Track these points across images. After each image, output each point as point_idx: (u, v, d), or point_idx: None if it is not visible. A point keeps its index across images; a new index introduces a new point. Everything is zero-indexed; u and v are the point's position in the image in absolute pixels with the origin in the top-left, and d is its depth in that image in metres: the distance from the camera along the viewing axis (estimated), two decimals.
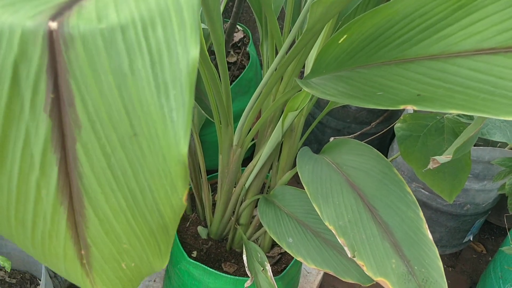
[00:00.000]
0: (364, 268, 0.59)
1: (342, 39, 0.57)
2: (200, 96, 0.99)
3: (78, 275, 0.40)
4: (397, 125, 0.85)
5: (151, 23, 0.30)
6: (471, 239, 1.45)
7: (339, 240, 0.61)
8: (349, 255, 0.60)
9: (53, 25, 0.29)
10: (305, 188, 0.66)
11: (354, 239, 0.61)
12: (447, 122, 0.84)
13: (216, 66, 0.75)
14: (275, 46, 0.77)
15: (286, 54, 0.64)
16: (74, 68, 0.30)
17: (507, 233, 1.29)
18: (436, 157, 0.64)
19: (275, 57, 0.69)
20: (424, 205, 1.33)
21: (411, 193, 0.63)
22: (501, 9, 0.44)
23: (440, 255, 1.47)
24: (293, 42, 0.64)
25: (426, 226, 0.60)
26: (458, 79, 0.47)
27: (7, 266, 0.77)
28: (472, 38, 0.47)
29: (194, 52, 0.29)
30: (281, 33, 0.76)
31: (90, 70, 0.30)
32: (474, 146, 1.24)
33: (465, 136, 0.64)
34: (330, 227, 0.62)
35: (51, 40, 0.29)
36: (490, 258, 1.49)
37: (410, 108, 0.47)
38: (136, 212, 0.35)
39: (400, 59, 0.53)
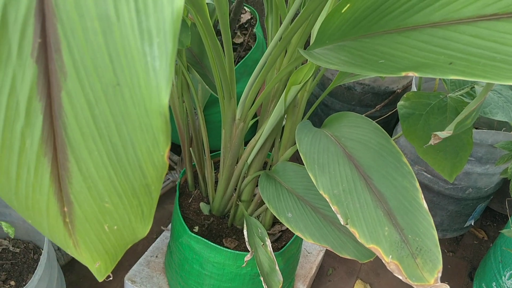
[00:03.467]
0: (357, 235, 0.59)
1: (345, 9, 0.58)
2: (204, 72, 0.99)
3: (61, 235, 0.40)
4: (400, 103, 0.85)
5: None
6: (472, 224, 1.45)
7: (332, 208, 0.61)
8: (342, 223, 0.60)
9: None
10: (302, 158, 0.67)
11: (348, 207, 0.61)
12: (450, 101, 0.84)
13: (220, 40, 0.75)
14: (280, 18, 0.78)
15: (290, 24, 0.64)
16: (61, 13, 0.30)
17: (509, 219, 1.29)
18: (438, 133, 0.64)
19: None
20: (426, 188, 1.33)
21: (408, 164, 0.63)
22: None
23: (441, 239, 1.47)
24: (298, 12, 0.64)
25: (421, 196, 0.60)
26: (460, 46, 0.47)
27: (11, 232, 0.78)
28: (474, 5, 0.47)
29: (179, 1, 0.29)
30: (286, 5, 0.76)
31: (77, 15, 0.30)
32: (478, 129, 1.24)
33: (467, 111, 0.64)
34: (325, 196, 0.63)
35: None
36: (491, 245, 1.49)
37: (411, 74, 0.48)
38: (119, 168, 0.35)
39: (402, 27, 0.53)
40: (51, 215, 0.38)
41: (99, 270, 0.42)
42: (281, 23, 0.78)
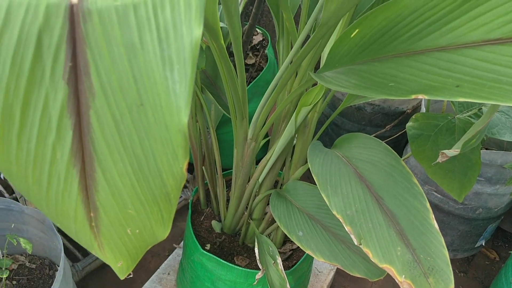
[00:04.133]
0: (370, 255, 0.60)
1: (354, 33, 0.60)
2: (217, 93, 1.02)
3: (87, 237, 0.43)
4: (409, 124, 0.87)
5: (161, 3, 0.33)
6: (483, 244, 1.45)
7: (346, 228, 0.63)
8: (356, 243, 0.62)
9: (74, 0, 0.32)
10: (314, 179, 0.68)
11: (361, 227, 0.62)
12: (458, 122, 0.86)
13: (233, 62, 0.78)
14: (291, 42, 0.80)
15: (300, 48, 0.67)
16: (90, 39, 0.33)
17: None
18: (445, 151, 0.65)
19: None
20: (436, 208, 1.33)
21: (418, 184, 0.64)
22: (506, 1, 0.46)
23: (452, 260, 1.47)
24: (308, 37, 0.66)
25: (432, 216, 0.61)
26: (466, 69, 0.49)
27: (29, 248, 0.80)
28: (479, 30, 0.49)
29: (197, 31, 0.32)
30: (297, 30, 0.78)
31: (105, 42, 0.33)
32: (487, 149, 1.25)
33: (473, 130, 0.65)
34: (338, 216, 0.64)
35: (72, 13, 0.33)
36: (502, 265, 1.48)
37: (421, 97, 0.49)
38: (141, 178, 0.38)
39: (410, 51, 0.55)
40: (79, 220, 0.41)
41: (121, 269, 0.45)
42: (291, 47, 0.81)
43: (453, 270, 1.45)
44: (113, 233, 0.42)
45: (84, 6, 0.33)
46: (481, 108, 0.85)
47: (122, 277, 0.45)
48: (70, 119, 0.35)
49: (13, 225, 0.94)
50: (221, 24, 0.94)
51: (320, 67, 0.77)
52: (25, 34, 0.33)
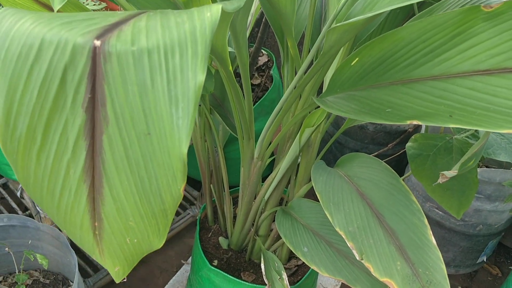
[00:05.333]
0: (371, 270, 0.64)
1: (354, 62, 0.64)
2: (225, 114, 1.06)
3: (90, 244, 0.48)
4: (408, 144, 0.90)
5: (171, 50, 0.38)
6: (485, 260, 1.47)
7: (348, 244, 0.66)
8: (358, 258, 0.65)
9: (97, 42, 0.38)
10: (318, 196, 0.72)
11: (362, 243, 0.66)
12: (456, 143, 0.89)
13: (241, 85, 0.82)
14: (295, 68, 0.84)
15: (304, 74, 0.71)
16: (109, 77, 0.39)
17: None
18: (445, 172, 0.69)
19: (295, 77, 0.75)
20: (437, 224, 1.36)
21: (417, 202, 0.68)
22: (493, 36, 0.50)
23: (454, 275, 1.49)
24: (311, 63, 0.70)
25: (430, 232, 0.65)
26: (457, 97, 0.53)
27: (45, 263, 0.84)
28: (469, 61, 0.53)
29: (200, 77, 0.37)
30: (300, 57, 0.83)
31: (121, 80, 0.38)
32: (487, 167, 1.28)
33: (470, 153, 0.69)
34: (341, 233, 0.67)
35: (94, 54, 0.38)
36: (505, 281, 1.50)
37: (416, 123, 0.53)
38: (143, 195, 0.43)
39: (406, 79, 0.59)
40: (84, 228, 0.47)
41: (118, 273, 0.50)
42: (295, 72, 0.85)
43: (456, 285, 1.47)
44: (113, 241, 0.47)
45: (105, 49, 0.38)
46: (477, 129, 0.89)
47: (117, 281, 0.50)
48: (85, 141, 0.41)
49: (30, 241, 0.97)
50: (229, 49, 0.98)
51: (323, 91, 0.82)
52: (52, 69, 0.39)
